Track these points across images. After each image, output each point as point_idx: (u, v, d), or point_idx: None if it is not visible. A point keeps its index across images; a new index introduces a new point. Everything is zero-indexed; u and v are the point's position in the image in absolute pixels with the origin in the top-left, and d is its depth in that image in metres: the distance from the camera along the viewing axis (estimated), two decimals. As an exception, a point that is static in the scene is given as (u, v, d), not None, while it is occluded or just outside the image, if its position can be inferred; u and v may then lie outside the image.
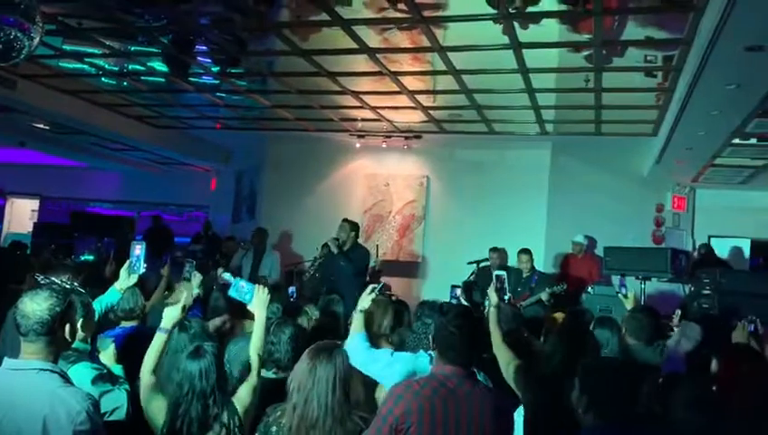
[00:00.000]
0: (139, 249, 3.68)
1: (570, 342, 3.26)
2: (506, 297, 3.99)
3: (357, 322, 3.48)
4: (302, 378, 2.51)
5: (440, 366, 2.63)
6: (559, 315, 6.32)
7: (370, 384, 3.35)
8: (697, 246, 9.23)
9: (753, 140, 6.76)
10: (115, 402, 2.87)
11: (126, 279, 3.62)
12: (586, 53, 5.60)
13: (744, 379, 2.95)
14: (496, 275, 3.92)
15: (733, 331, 3.90)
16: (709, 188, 9.44)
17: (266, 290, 3.10)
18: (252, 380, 2.79)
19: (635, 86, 6.28)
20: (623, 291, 4.60)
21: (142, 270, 3.70)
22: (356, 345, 3.31)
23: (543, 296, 7.02)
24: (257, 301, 3.05)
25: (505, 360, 3.30)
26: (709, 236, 9.49)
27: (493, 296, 3.71)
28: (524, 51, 5.54)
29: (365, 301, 3.53)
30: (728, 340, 3.88)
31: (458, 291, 5.10)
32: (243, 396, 2.72)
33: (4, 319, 3.32)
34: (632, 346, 3.87)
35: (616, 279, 7.78)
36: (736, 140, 6.74)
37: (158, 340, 2.85)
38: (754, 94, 5.27)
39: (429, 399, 2.47)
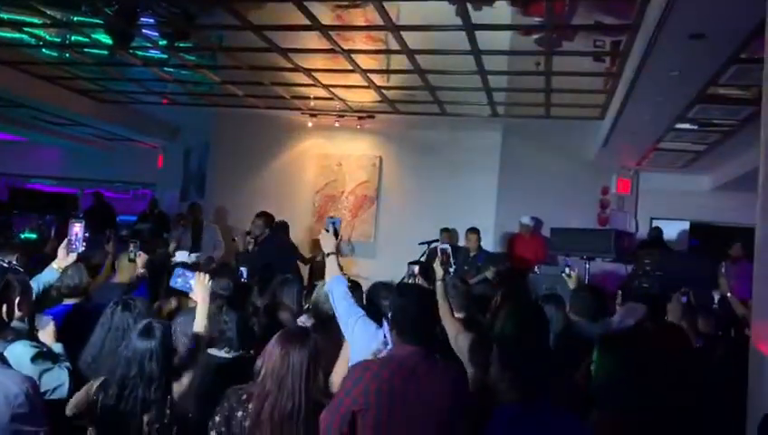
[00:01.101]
0: (78, 227, 3.59)
1: (521, 321, 3.32)
2: (452, 270, 4.02)
3: (332, 265, 3.26)
4: (275, 364, 2.46)
5: (399, 347, 2.61)
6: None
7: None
8: (648, 229, 9.53)
9: (695, 126, 7.00)
10: (57, 381, 2.80)
11: (64, 258, 3.53)
12: (537, 36, 5.67)
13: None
14: (441, 250, 3.95)
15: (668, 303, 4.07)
16: (652, 172, 9.75)
17: (207, 276, 3.06)
18: (193, 365, 2.76)
19: (584, 70, 6.40)
20: (566, 271, 4.72)
21: (81, 249, 3.61)
22: (340, 289, 3.17)
23: (489, 274, 7.15)
24: (199, 288, 3.02)
25: (453, 331, 3.36)
26: (651, 218, 9.82)
27: (438, 270, 3.76)
28: (477, 32, 5.56)
29: (327, 243, 3.31)
30: (665, 314, 4.04)
31: (416, 269, 5.03)
32: (184, 383, 2.69)
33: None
34: (577, 323, 3.99)
35: (563, 259, 7.99)
36: (679, 125, 6.96)
37: None
38: (696, 81, 5.45)
39: (388, 381, 2.45)
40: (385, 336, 2.89)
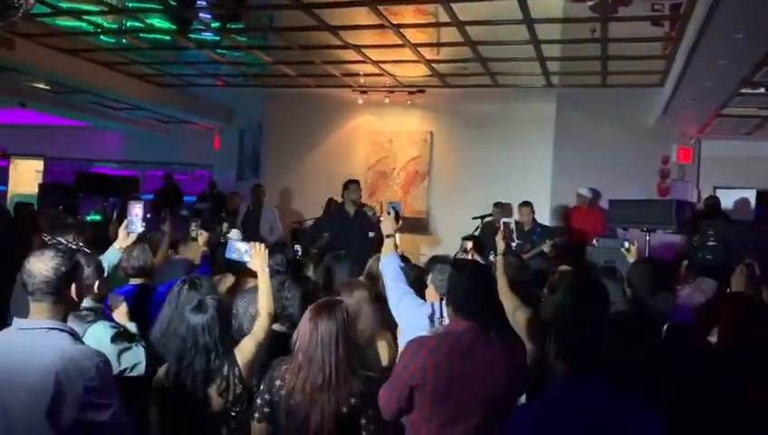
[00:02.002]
0: (138, 208, 3.70)
1: (579, 294, 3.27)
2: (513, 244, 3.98)
3: (389, 245, 3.50)
4: (305, 337, 2.52)
5: (455, 322, 2.61)
6: (564, 268, 6.34)
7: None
8: (703, 198, 9.20)
9: (761, 90, 6.68)
10: (135, 359, 2.94)
11: (125, 239, 3.65)
12: (592, 2, 5.49)
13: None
14: (504, 223, 3.87)
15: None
16: (715, 140, 9.36)
17: (263, 246, 3.11)
18: (257, 335, 2.80)
19: (642, 36, 6.17)
20: (626, 245, 4.61)
21: (141, 229, 3.72)
22: (394, 267, 3.35)
23: (546, 248, 7.03)
24: (257, 258, 3.07)
25: (512, 307, 3.33)
26: (714, 188, 9.46)
27: (500, 244, 3.71)
28: (529, 0, 5.42)
29: (388, 226, 3.54)
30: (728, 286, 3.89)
31: (468, 245, 4.95)
32: (245, 348, 2.74)
33: (14, 281, 3.36)
34: (635, 296, 3.91)
35: (622, 233, 7.81)
36: (744, 90, 6.65)
37: None
38: (763, 42, 5.18)
39: (446, 356, 2.47)
40: (442, 314, 2.92)
